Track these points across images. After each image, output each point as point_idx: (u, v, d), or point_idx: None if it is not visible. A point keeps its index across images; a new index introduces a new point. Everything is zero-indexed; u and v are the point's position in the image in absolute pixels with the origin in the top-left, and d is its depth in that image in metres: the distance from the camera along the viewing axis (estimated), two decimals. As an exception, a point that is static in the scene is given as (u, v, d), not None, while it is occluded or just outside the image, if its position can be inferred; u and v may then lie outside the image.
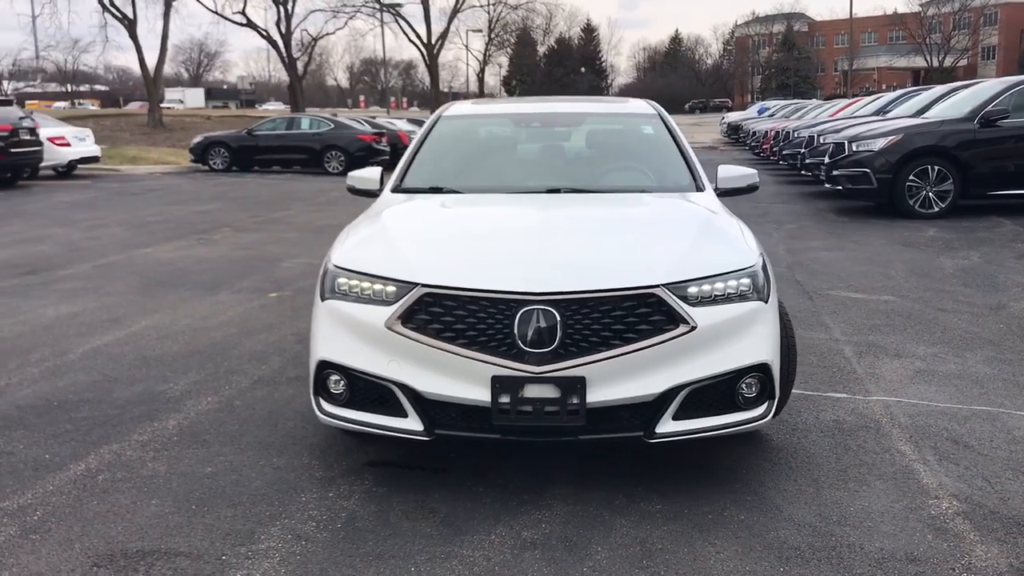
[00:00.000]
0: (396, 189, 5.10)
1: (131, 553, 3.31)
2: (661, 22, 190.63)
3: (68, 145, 22.23)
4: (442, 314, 3.65)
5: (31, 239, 12.06)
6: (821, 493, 3.81)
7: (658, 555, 3.30)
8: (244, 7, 50.99)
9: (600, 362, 3.54)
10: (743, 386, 3.79)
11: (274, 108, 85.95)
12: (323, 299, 3.92)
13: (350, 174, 5.36)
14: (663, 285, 3.63)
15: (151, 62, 43.01)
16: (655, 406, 3.63)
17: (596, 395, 3.56)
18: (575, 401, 3.54)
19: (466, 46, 78.11)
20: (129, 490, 3.86)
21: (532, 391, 3.55)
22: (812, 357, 5.82)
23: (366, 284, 3.78)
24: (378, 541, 3.40)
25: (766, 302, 3.84)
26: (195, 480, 3.95)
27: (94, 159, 23.39)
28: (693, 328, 3.61)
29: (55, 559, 3.27)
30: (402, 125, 29.38)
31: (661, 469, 4.04)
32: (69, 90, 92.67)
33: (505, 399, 3.56)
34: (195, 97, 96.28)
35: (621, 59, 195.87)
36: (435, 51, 67.62)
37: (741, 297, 3.77)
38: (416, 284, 3.69)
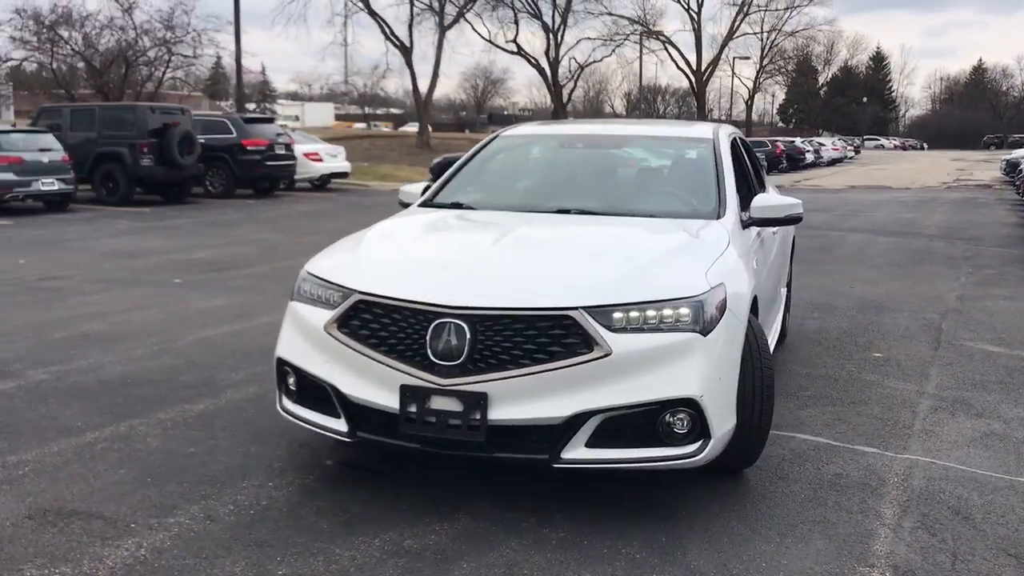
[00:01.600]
0: (423, 204, 5.28)
1: (63, 511, 3.70)
2: (964, 51, 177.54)
3: (321, 160, 24.25)
4: (371, 321, 3.78)
5: (244, 241, 13.34)
6: (747, 544, 3.55)
7: (512, 579, 3.24)
8: (516, 36, 53.27)
9: (505, 380, 3.53)
10: (671, 421, 3.62)
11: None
12: (291, 300, 4.16)
13: (401, 188, 5.60)
14: (583, 308, 3.55)
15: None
16: (562, 430, 3.56)
17: (499, 413, 3.54)
18: (476, 417, 3.55)
19: (733, 73, 76.74)
20: (111, 459, 4.29)
21: (438, 403, 3.60)
22: (875, 408, 5.35)
23: (320, 290, 3.98)
24: (272, 531, 3.57)
25: (704, 335, 3.64)
26: (171, 457, 4.32)
27: (343, 175, 25.33)
28: (607, 354, 3.50)
29: (3, 508, 3.72)
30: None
31: (600, 495, 3.92)
32: (366, 112, 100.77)
33: (412, 408, 3.63)
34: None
35: (914, 89, 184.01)
36: (704, 78, 67.16)
37: (673, 328, 3.60)
38: (354, 291, 3.85)
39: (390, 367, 3.66)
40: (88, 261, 11.11)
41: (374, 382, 3.72)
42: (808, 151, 47.31)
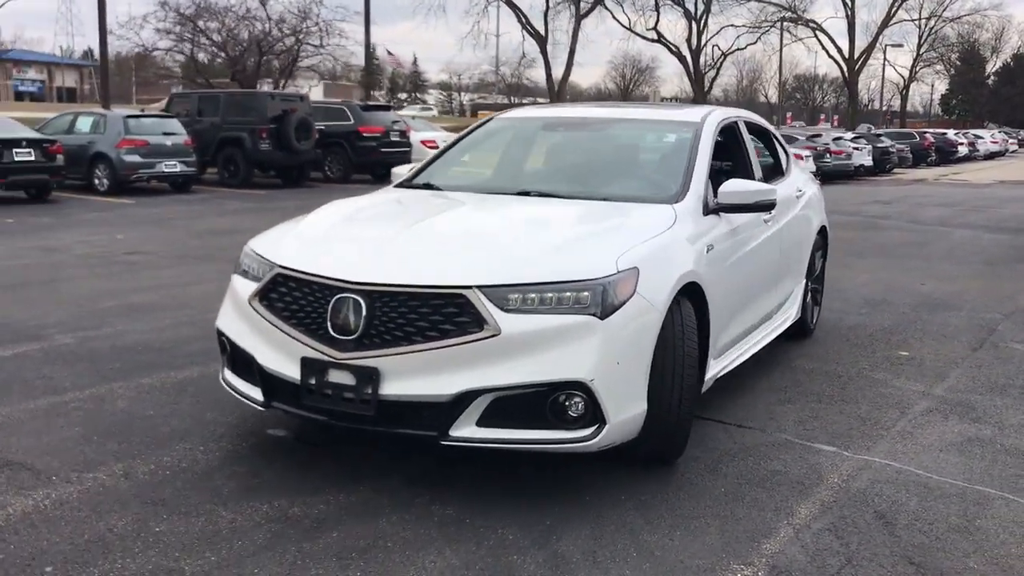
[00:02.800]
0: (401, 183, 5.36)
1: (0, 461, 3.97)
2: None
3: (437, 147, 24.64)
4: (285, 294, 3.90)
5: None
6: (631, 534, 3.47)
7: (369, 552, 3.28)
8: (656, 23, 52.61)
9: (397, 356, 3.57)
10: (565, 404, 3.58)
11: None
12: (233, 273, 4.32)
13: (393, 170, 5.70)
14: (478, 287, 3.55)
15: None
16: (450, 408, 3.57)
17: (390, 388, 3.59)
18: (368, 391, 3.61)
19: (886, 61, 73.26)
20: (73, 418, 4.57)
21: (334, 376, 3.68)
22: (863, 407, 5.09)
23: (254, 263, 4.12)
24: (175, 491, 3.74)
25: (602, 318, 3.57)
26: (127, 419, 4.57)
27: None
28: (496, 334, 3.49)
29: (-48, 456, 4.04)
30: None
31: (515, 479, 3.91)
32: (511, 101, 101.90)
33: (312, 380, 3.72)
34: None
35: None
36: (856, 67, 64.45)
37: (569, 310, 3.55)
38: (275, 265, 3.97)
39: (296, 339, 3.75)
40: (179, 238, 11.73)
41: (284, 354, 3.83)
42: (961, 144, 44.72)
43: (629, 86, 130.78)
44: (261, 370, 3.92)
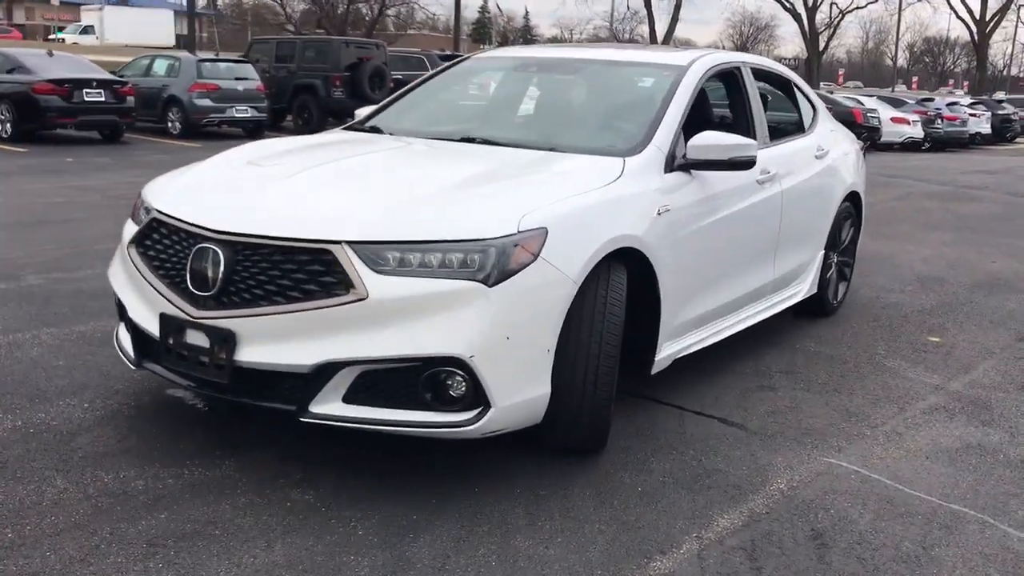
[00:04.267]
0: (351, 125, 4.90)
1: None
2: None
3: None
4: (157, 242, 3.51)
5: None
6: (503, 537, 2.98)
7: (188, 539, 2.87)
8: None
9: (255, 318, 3.14)
10: (444, 382, 3.09)
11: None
12: (128, 217, 3.96)
13: (357, 111, 5.24)
14: (348, 243, 3.08)
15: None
16: (310, 380, 3.12)
17: (247, 354, 3.16)
18: (223, 356, 3.19)
19: (1021, 23, 68.74)
20: (-23, 364, 4.30)
21: (191, 336, 3.27)
22: (856, 400, 4.43)
23: (141, 208, 3.74)
24: (24, 453, 3.41)
25: (490, 285, 3.05)
26: (30, 367, 4.27)
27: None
28: (362, 298, 3.02)
29: None
30: (870, 103, 26.97)
31: (398, 462, 3.45)
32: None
33: (170, 340, 3.33)
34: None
35: None
36: (987, 29, 60.63)
37: (455, 274, 3.05)
38: (152, 209, 3.58)
39: (160, 293, 3.36)
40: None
41: (151, 308, 3.44)
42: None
43: (746, 44, 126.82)
44: (133, 325, 3.54)
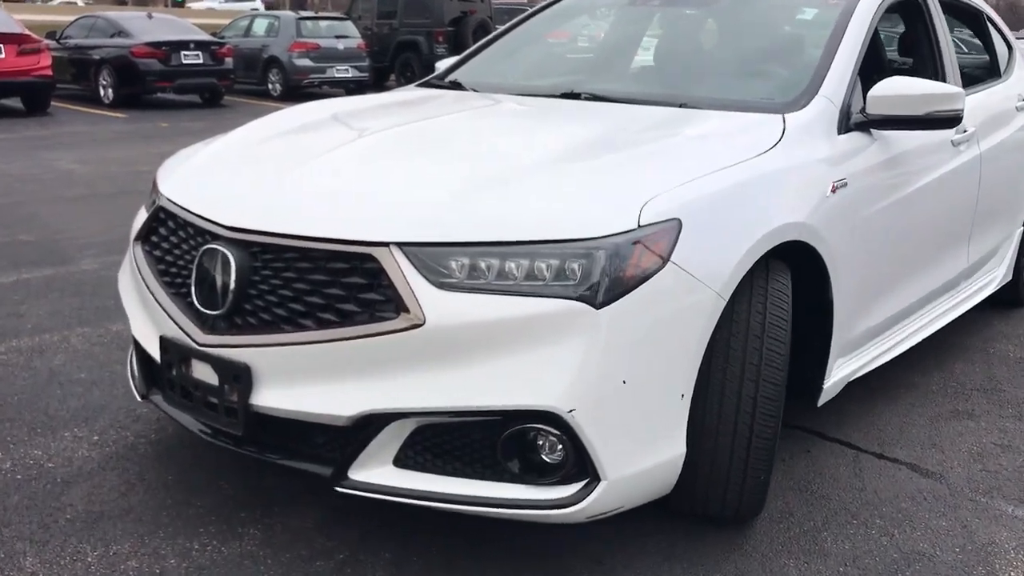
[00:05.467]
0: (422, 82, 3.98)
1: None
2: None
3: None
4: (164, 238, 2.68)
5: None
6: None
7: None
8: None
9: (276, 348, 2.27)
10: (533, 444, 2.18)
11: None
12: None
13: (437, 64, 4.33)
14: (398, 245, 2.18)
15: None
16: (348, 435, 2.25)
17: (265, 397, 2.31)
18: (233, 398, 2.34)
19: None
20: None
21: (198, 369, 2.44)
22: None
23: (153, 194, 2.92)
24: (40, 517, 2.65)
25: (597, 305, 2.10)
26: (47, 382, 3.56)
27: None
28: (418, 324, 2.11)
29: None
30: None
31: (492, 542, 2.56)
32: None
33: (173, 372, 2.50)
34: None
35: None
36: None
37: (548, 289, 2.11)
38: (160, 195, 2.76)
39: (162, 307, 2.53)
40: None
41: (154, 326, 2.62)
42: None
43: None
44: (137, 346, 2.73)
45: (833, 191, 2.76)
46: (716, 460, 2.38)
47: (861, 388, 3.45)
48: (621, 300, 2.12)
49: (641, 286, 2.15)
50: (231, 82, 15.91)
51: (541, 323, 2.10)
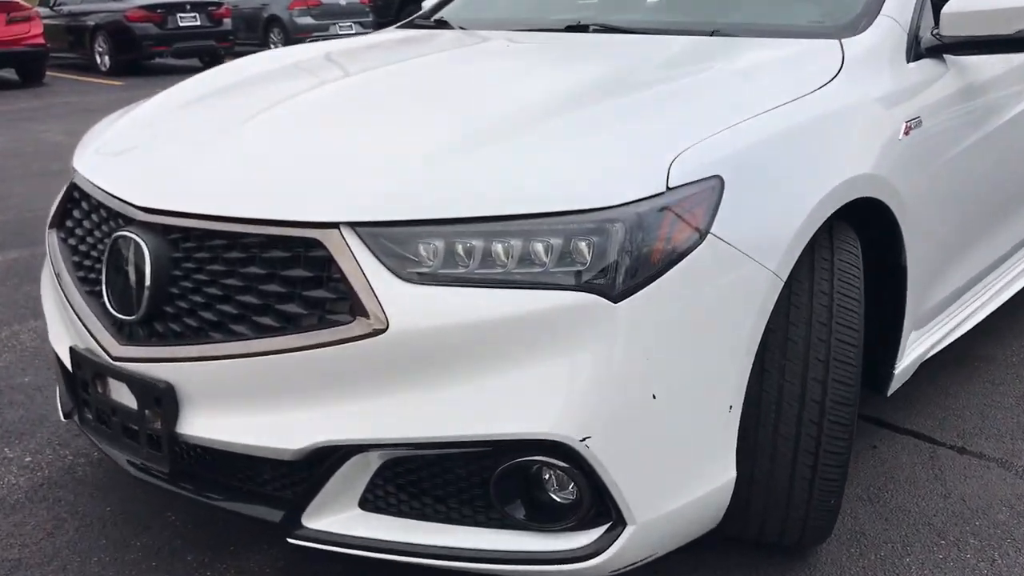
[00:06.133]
0: (405, 22, 3.42)
1: None
2: None
3: None
4: (79, 222, 2.17)
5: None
6: None
7: None
8: None
9: (205, 361, 1.76)
10: (536, 480, 1.67)
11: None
12: None
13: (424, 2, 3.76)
14: (349, 225, 1.65)
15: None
16: (300, 471, 1.74)
17: (193, 425, 1.80)
18: (156, 425, 1.83)
19: None
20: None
21: (114, 388, 1.93)
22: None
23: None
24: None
25: (615, 297, 1.57)
26: (-21, 393, 3.07)
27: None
28: (379, 330, 1.59)
29: None
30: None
31: None
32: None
33: (87, 391, 1.99)
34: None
35: None
36: None
37: (543, 279, 1.58)
38: (75, 171, 2.24)
39: (73, 309, 2.02)
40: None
41: (67, 328, 2.12)
42: None
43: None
44: (55, 354, 2.23)
45: (906, 132, 2.20)
46: (773, 483, 1.86)
47: (926, 365, 2.90)
48: (646, 289, 1.60)
49: (672, 269, 1.62)
50: (231, 44, 15.32)
51: (541, 324, 1.58)
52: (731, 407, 1.73)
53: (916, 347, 2.49)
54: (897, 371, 2.38)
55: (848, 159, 1.98)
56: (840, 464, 1.89)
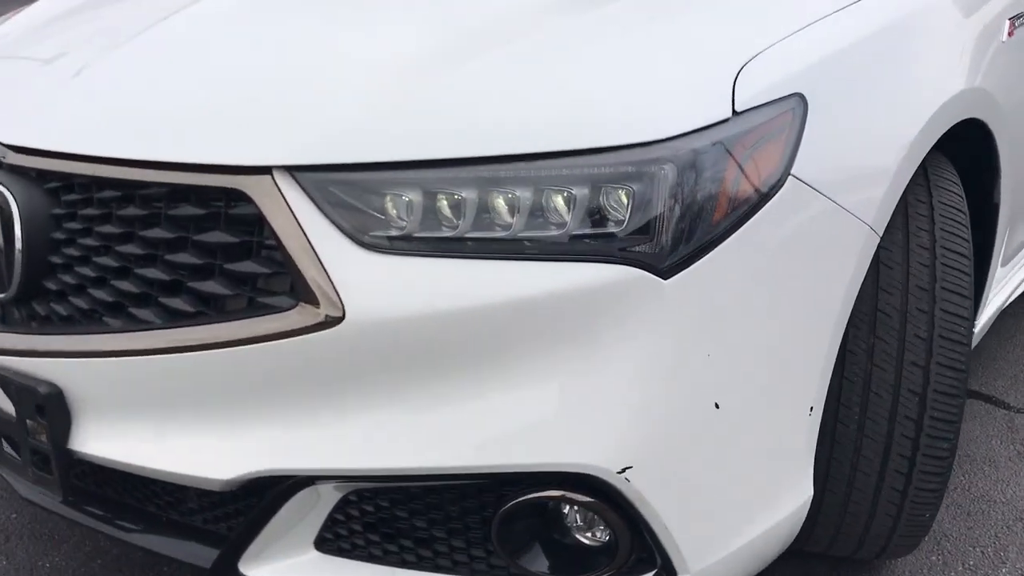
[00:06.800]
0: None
1: None
2: None
3: None
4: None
5: None
6: None
7: None
8: None
9: (102, 357, 1.28)
10: (556, 518, 1.22)
11: None
12: None
13: None
14: (286, 168, 1.16)
15: None
16: (230, 504, 1.28)
17: (91, 440, 1.34)
18: (41, 438, 1.36)
19: None
20: None
21: (-12, 389, 1.45)
22: None
23: None
24: None
25: (664, 271, 1.09)
26: None
27: None
28: (333, 320, 1.12)
29: None
30: None
31: None
32: None
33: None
34: None
35: None
36: None
37: (567, 242, 1.11)
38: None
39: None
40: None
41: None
42: None
43: None
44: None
45: (1010, 33, 1.72)
46: (854, 495, 1.44)
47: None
48: (706, 258, 1.14)
49: (741, 228, 1.15)
50: None
51: (560, 310, 1.12)
52: (811, 409, 1.28)
53: (1001, 291, 2.06)
54: (978, 327, 1.94)
55: (948, 70, 1.51)
56: (942, 471, 1.46)
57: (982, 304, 1.94)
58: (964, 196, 1.54)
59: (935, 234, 1.44)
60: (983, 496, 1.90)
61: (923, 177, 1.48)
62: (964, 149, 1.66)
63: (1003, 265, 2.08)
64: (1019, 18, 1.76)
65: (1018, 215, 1.99)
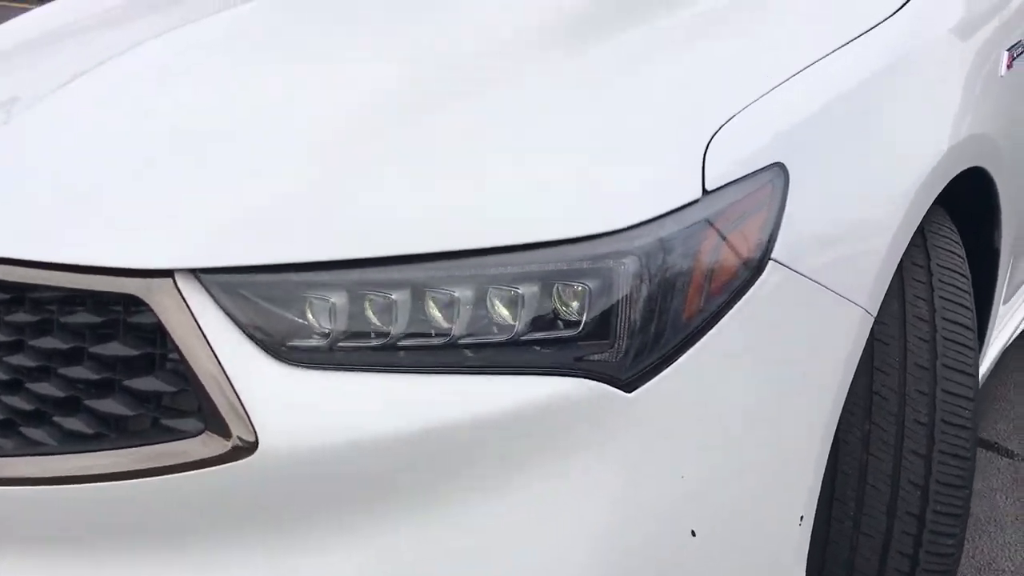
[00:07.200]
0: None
1: None
2: None
3: None
4: None
5: None
6: None
7: None
8: None
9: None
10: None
11: None
12: None
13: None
14: (190, 271, 0.99)
15: None
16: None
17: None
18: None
19: None
20: None
21: None
22: None
23: None
24: None
25: (625, 385, 0.94)
26: None
27: None
28: (243, 448, 0.96)
29: None
30: None
31: None
32: None
33: None
34: None
35: None
36: None
37: (515, 351, 0.95)
38: None
39: None
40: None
41: None
42: None
43: None
44: None
45: (1009, 66, 1.57)
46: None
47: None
48: (677, 364, 0.98)
49: (717, 325, 1.00)
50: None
51: (508, 430, 0.95)
52: (802, 519, 1.13)
53: (1002, 331, 1.92)
54: (982, 369, 1.80)
55: (944, 119, 1.36)
56: (947, 569, 1.32)
57: (985, 344, 1.80)
58: (964, 256, 1.39)
59: (934, 303, 1.29)
60: (988, 564, 1.76)
61: (920, 236, 1.33)
62: (960, 189, 1.51)
63: (1004, 303, 1.94)
64: (1017, 48, 1.60)
65: (1019, 253, 1.84)
